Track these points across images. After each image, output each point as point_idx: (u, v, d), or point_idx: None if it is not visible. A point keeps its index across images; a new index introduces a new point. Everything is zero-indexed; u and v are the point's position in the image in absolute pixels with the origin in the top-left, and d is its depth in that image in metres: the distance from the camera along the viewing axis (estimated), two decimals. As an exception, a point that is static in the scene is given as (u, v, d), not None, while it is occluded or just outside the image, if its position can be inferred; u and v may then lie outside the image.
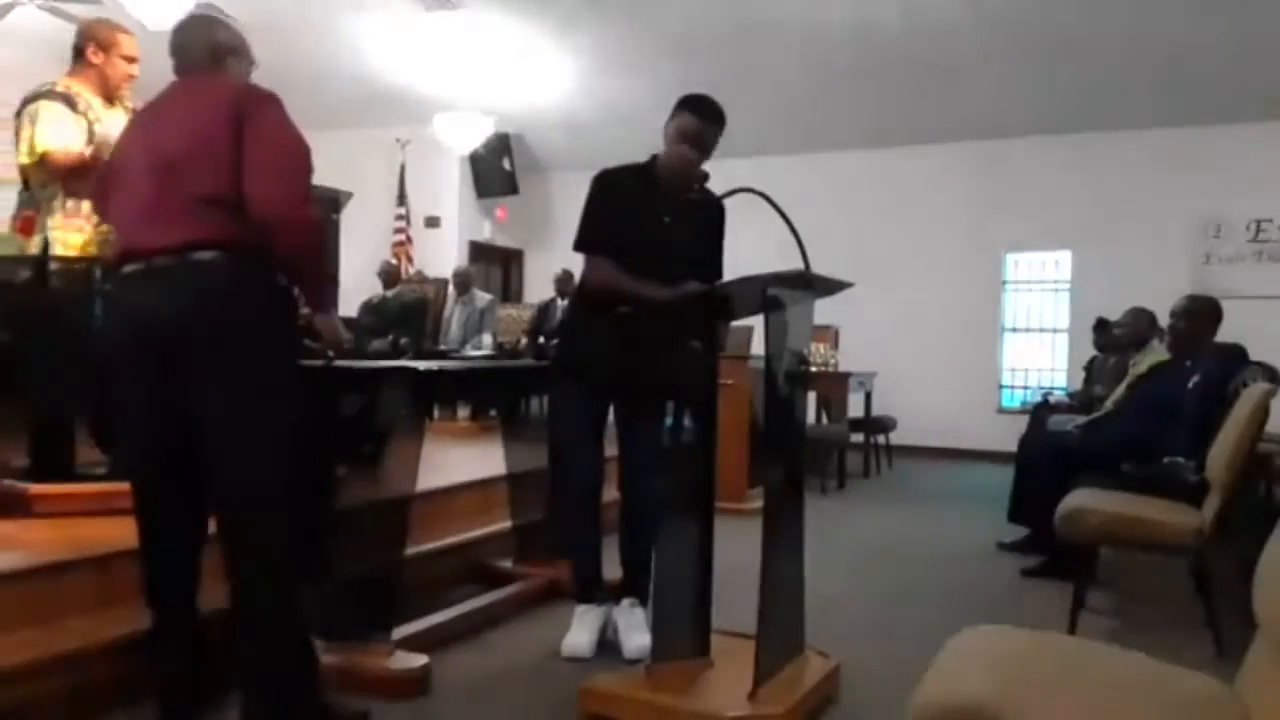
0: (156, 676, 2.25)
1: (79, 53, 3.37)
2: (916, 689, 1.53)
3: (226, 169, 2.12)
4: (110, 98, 3.39)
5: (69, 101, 3.28)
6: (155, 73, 3.56)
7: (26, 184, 3.33)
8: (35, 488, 3.15)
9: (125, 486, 3.17)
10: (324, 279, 2.44)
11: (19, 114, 3.28)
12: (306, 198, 2.24)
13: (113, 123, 3.36)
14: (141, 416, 2.23)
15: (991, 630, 1.78)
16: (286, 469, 2.16)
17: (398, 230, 9.64)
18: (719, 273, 3.01)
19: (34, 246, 3.27)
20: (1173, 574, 3.82)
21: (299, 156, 2.23)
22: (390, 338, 6.83)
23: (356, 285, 7.24)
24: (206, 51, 2.37)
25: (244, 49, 2.47)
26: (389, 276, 7.98)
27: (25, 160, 3.22)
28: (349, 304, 6.12)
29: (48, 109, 3.23)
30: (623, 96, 8.42)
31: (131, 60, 3.39)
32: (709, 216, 2.98)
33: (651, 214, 2.87)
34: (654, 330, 2.78)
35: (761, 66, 7.91)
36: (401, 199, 9.68)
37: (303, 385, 2.29)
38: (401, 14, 7.54)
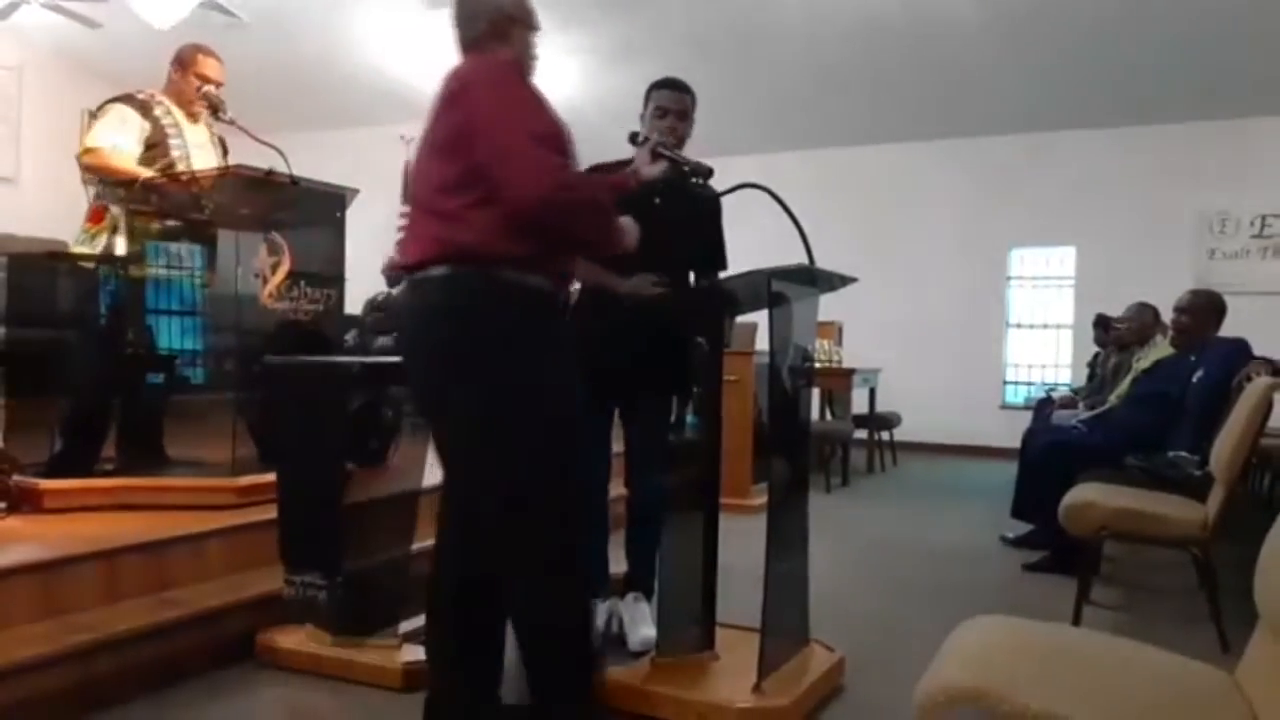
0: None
1: (169, 70, 3.54)
2: (923, 676, 1.54)
3: (441, 173, 2.02)
4: (187, 113, 3.54)
5: (143, 107, 3.43)
6: (160, 72, 3.61)
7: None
8: (46, 483, 3.17)
9: (135, 482, 3.24)
10: (603, 244, 2.20)
11: (95, 110, 3.45)
12: (535, 171, 1.94)
13: (193, 136, 3.54)
14: None
15: (997, 620, 1.80)
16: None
17: (401, 228, 9.64)
18: (724, 264, 3.03)
19: (103, 234, 3.36)
20: (1176, 569, 3.83)
21: (506, 131, 1.97)
22: (395, 335, 6.85)
23: (362, 283, 7.25)
24: (488, 22, 2.17)
25: (530, 16, 2.23)
26: (394, 274, 7.99)
27: (78, 151, 3.37)
28: (353, 302, 6.13)
29: (115, 110, 3.39)
30: (624, 94, 8.39)
31: (206, 80, 3.52)
32: (704, 204, 3.00)
33: (642, 198, 2.88)
34: (623, 320, 2.78)
35: (764, 63, 7.91)
36: (405, 196, 9.68)
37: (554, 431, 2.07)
38: (404, 11, 7.55)
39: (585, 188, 2.15)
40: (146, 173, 3.33)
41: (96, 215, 3.39)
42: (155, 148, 3.40)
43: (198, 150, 3.51)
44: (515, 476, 2.06)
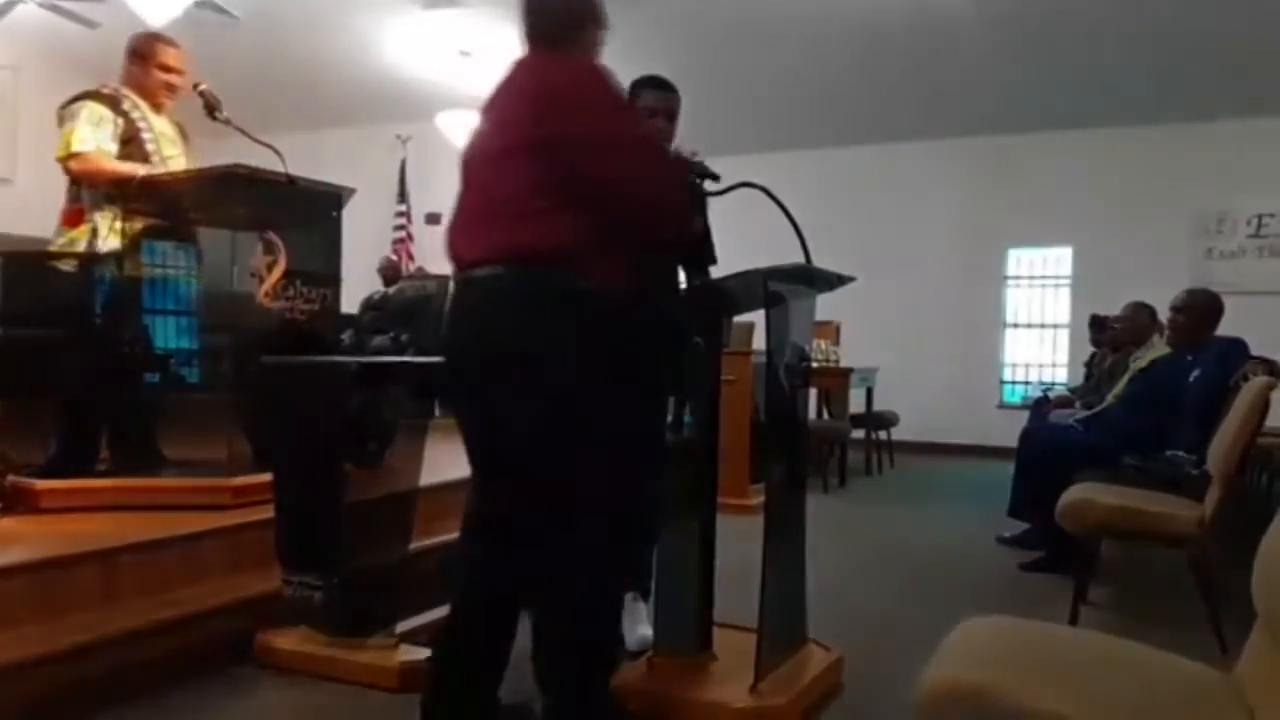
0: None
1: (126, 63, 3.48)
2: (920, 677, 1.54)
3: (530, 173, 2.00)
4: (152, 105, 3.49)
5: (113, 102, 3.37)
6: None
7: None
8: (42, 483, 3.17)
9: (131, 483, 3.23)
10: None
11: (63, 108, 3.36)
12: (666, 180, 2.18)
13: (160, 128, 3.48)
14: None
15: (994, 620, 1.80)
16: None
17: (398, 227, 9.65)
18: (713, 257, 3.04)
19: (82, 237, 3.32)
20: (1173, 568, 3.83)
21: (628, 144, 2.08)
22: (392, 335, 6.85)
23: (358, 282, 7.26)
24: (567, 19, 2.17)
25: (604, 16, 2.22)
26: (390, 273, 8.00)
27: (60, 155, 3.29)
28: (349, 301, 6.12)
29: (89, 109, 3.32)
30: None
31: (168, 69, 3.47)
32: (694, 201, 3.01)
33: None
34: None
35: (763, 62, 7.91)
36: (402, 196, 9.69)
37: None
38: (402, 11, 7.55)
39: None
40: (142, 170, 3.31)
41: (74, 218, 3.34)
42: (130, 143, 3.35)
43: (166, 143, 3.46)
44: (571, 481, 2.04)
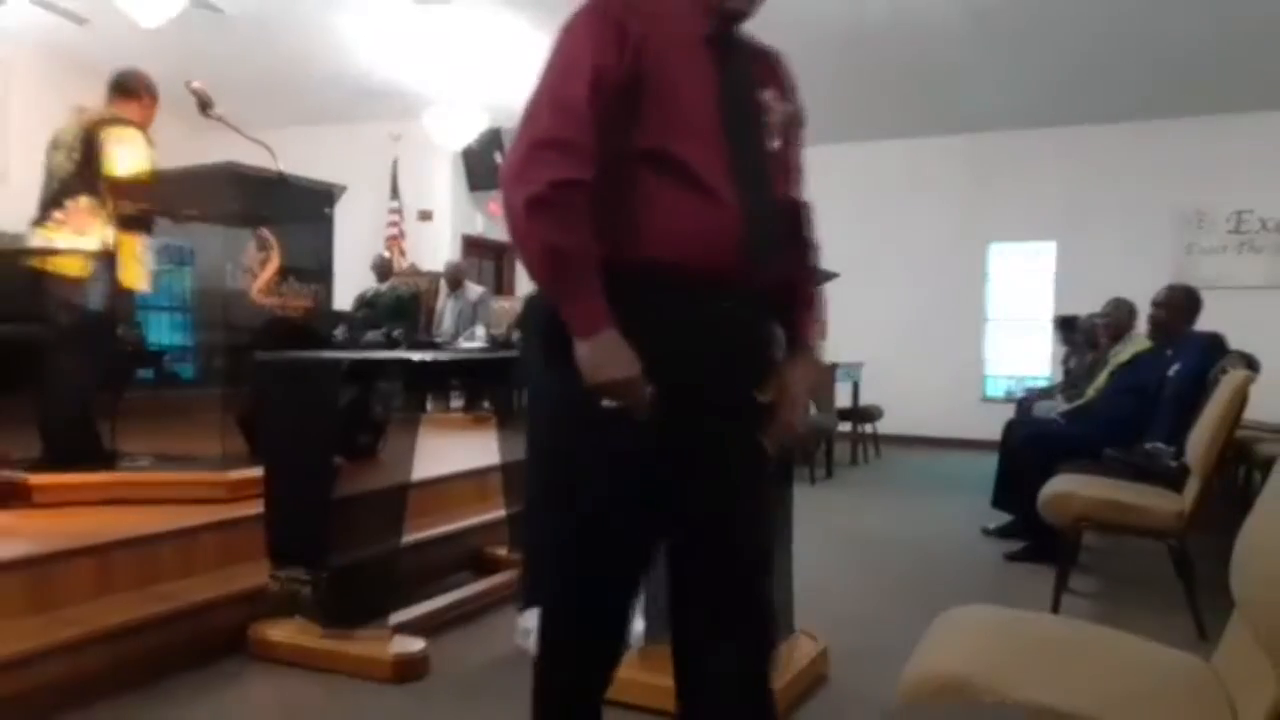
0: None
1: (129, 93, 3.48)
2: (905, 666, 1.57)
3: None
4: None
5: (146, 136, 3.43)
6: (149, 68, 3.61)
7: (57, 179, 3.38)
8: (35, 477, 3.17)
9: (125, 477, 3.24)
10: (551, 289, 1.46)
11: (96, 127, 3.33)
12: (520, 168, 1.41)
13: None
14: None
15: (977, 609, 1.82)
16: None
17: (391, 224, 9.64)
18: None
19: (94, 241, 3.33)
20: (1154, 557, 3.89)
21: (535, 103, 1.45)
22: (384, 330, 6.86)
23: (351, 279, 7.27)
24: None
25: None
26: (382, 270, 8.00)
27: (137, 172, 3.30)
28: (343, 297, 6.13)
29: (137, 138, 3.36)
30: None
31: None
32: None
33: None
34: None
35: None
36: (394, 193, 9.67)
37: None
38: (392, 8, 7.53)
39: (552, 235, 1.40)
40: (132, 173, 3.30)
41: (83, 222, 3.33)
42: None
43: None
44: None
